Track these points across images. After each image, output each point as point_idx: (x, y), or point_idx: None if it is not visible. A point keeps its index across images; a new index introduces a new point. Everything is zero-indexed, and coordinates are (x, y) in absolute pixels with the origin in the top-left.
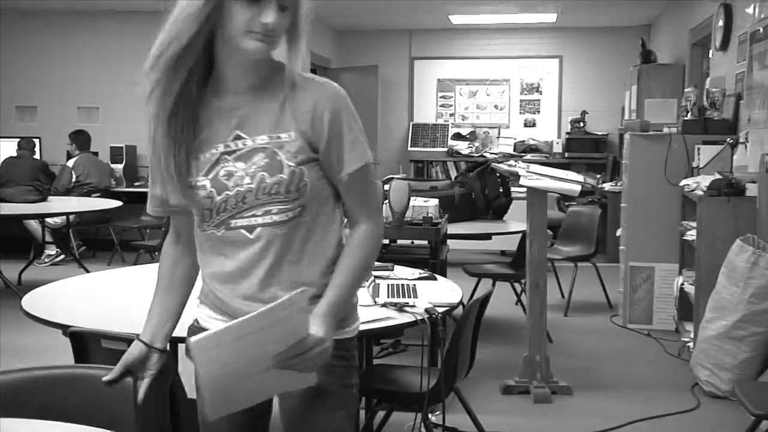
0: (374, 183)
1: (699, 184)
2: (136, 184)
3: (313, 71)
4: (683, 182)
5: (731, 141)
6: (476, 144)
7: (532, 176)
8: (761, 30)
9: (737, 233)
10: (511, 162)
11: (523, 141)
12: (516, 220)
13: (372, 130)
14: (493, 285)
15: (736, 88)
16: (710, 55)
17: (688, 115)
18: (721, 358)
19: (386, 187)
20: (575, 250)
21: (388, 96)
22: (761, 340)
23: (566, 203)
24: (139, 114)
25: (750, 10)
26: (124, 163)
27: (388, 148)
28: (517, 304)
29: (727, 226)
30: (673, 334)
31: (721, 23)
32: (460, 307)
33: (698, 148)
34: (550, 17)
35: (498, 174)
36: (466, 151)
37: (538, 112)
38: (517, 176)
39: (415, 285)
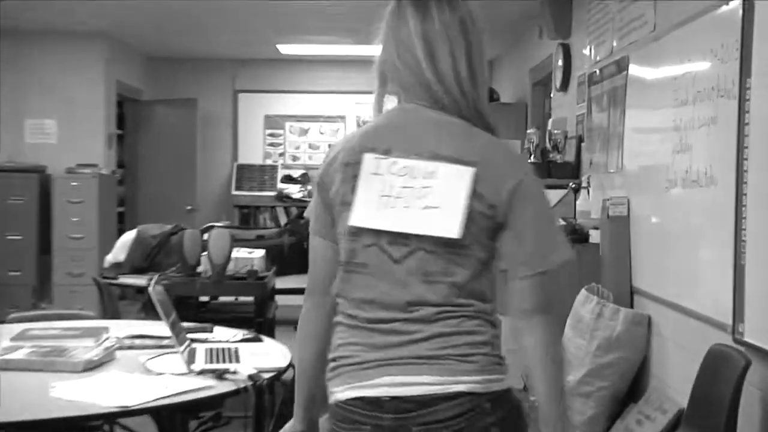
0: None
1: None
2: None
3: (120, 103)
4: None
5: (573, 186)
6: (309, 187)
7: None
8: (597, 72)
9: (582, 282)
10: None
11: None
12: None
13: (189, 172)
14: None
15: (577, 130)
16: (552, 95)
17: (531, 157)
18: (569, 416)
19: (205, 236)
20: None
21: (209, 133)
22: (607, 395)
23: None
24: None
25: (587, 52)
26: None
27: (208, 192)
28: None
29: (572, 274)
30: (521, 393)
31: (560, 63)
32: (290, 371)
33: None
34: None
35: None
36: (297, 195)
37: None
38: None
39: (237, 348)
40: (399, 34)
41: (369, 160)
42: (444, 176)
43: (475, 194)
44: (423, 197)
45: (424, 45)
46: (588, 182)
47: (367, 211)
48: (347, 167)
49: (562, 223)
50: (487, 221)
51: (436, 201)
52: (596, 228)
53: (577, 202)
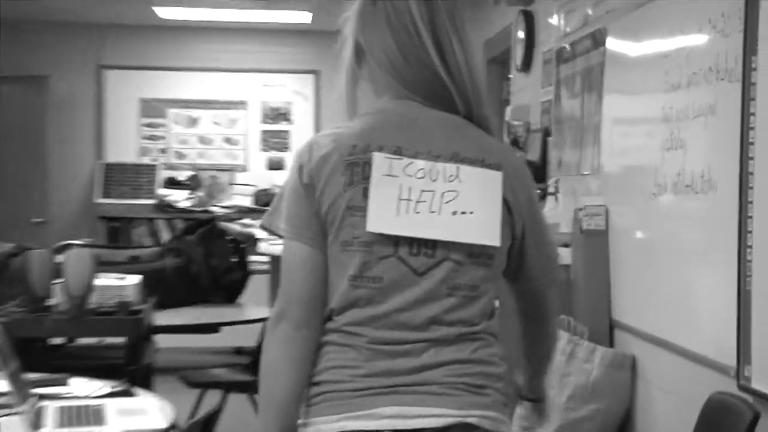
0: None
1: None
2: None
3: None
4: None
5: (538, 191)
6: (199, 194)
7: (276, 239)
8: (568, 47)
9: None
10: (249, 221)
11: (266, 190)
12: (256, 303)
13: (38, 172)
14: (224, 399)
15: (543, 121)
16: (510, 77)
17: None
18: None
19: (59, 258)
20: None
21: (65, 121)
22: None
23: None
24: None
25: (554, 21)
26: None
27: (64, 199)
28: None
29: None
30: None
31: (521, 35)
32: None
33: None
34: (304, 17)
35: (230, 237)
36: (184, 204)
37: (287, 148)
38: (255, 240)
39: (101, 406)
40: (397, 18)
41: (380, 160)
42: (471, 179)
43: (502, 200)
44: (450, 201)
45: (432, 36)
46: (556, 187)
47: (386, 216)
48: (353, 167)
49: None
50: (509, 230)
51: (468, 206)
52: (566, 245)
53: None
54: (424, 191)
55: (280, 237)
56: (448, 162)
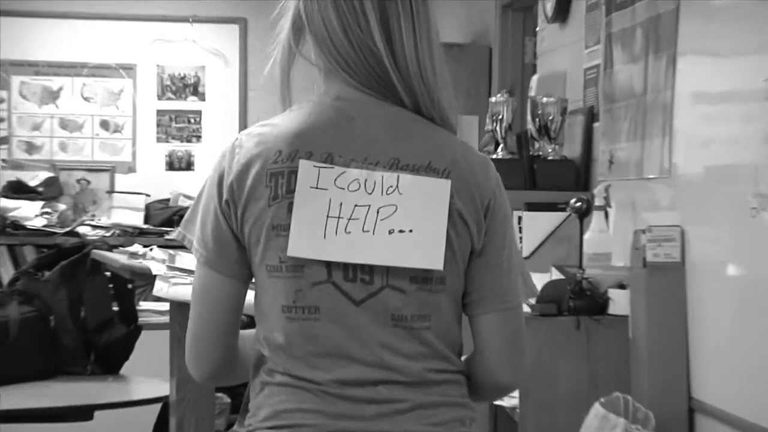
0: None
1: None
2: None
3: None
4: None
5: (578, 205)
6: (61, 207)
7: (180, 278)
8: None
9: (594, 389)
10: (138, 247)
11: (165, 201)
12: (150, 373)
13: None
14: None
15: (586, 98)
16: (538, 31)
17: (498, 150)
18: None
19: None
20: None
21: None
22: None
23: None
24: None
25: None
26: None
27: None
28: None
29: (574, 373)
30: None
31: None
32: None
33: (518, 218)
34: None
35: (110, 274)
36: (36, 223)
37: (198, 137)
38: (152, 278)
39: None
40: None
41: (307, 169)
42: (412, 190)
43: (450, 213)
44: (387, 218)
45: (379, 18)
46: (605, 198)
47: (311, 237)
48: (277, 178)
49: (555, 277)
50: (463, 247)
51: (407, 223)
52: (622, 286)
53: (585, 237)
54: (357, 206)
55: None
56: (389, 170)
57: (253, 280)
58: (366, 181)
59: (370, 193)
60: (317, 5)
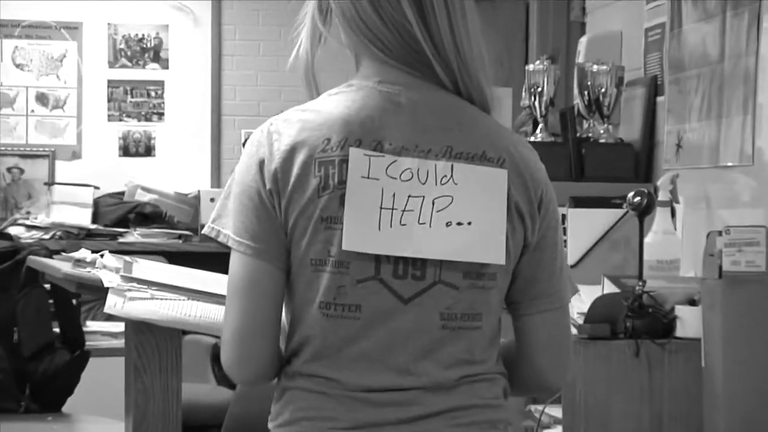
0: (228, 276)
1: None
2: None
3: None
4: None
5: (639, 199)
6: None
7: (138, 290)
8: None
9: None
10: (86, 253)
11: (119, 195)
12: (100, 411)
13: None
14: None
15: (648, 66)
16: None
17: (537, 131)
18: None
19: None
20: None
21: None
22: None
23: None
24: None
25: None
26: None
27: None
28: None
29: (632, 412)
30: None
31: None
32: None
33: (562, 216)
34: None
35: (49, 287)
36: None
37: (160, 114)
38: (103, 291)
39: None
40: None
41: (358, 158)
42: (468, 180)
43: (507, 205)
44: (443, 210)
45: None
46: (673, 192)
47: (365, 231)
48: (326, 167)
49: (608, 290)
50: (518, 242)
51: (465, 215)
52: (692, 302)
53: (647, 240)
54: (411, 197)
55: (228, 248)
56: (441, 159)
57: None
58: (419, 170)
59: (424, 183)
60: (350, 7)
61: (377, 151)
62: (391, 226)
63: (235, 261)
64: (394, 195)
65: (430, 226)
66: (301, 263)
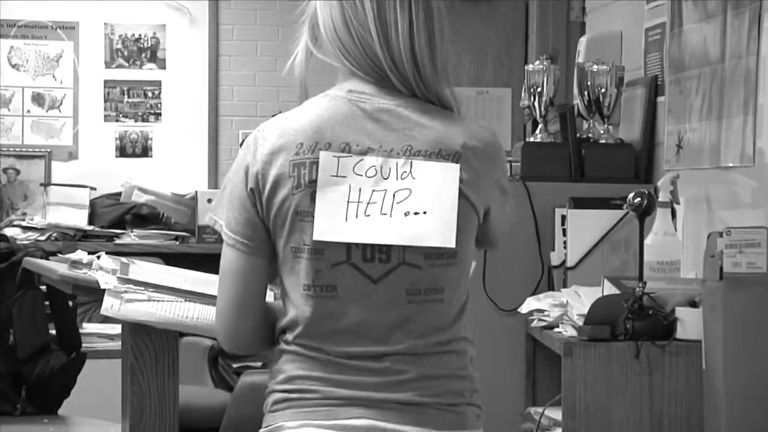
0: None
1: (567, 311)
2: None
3: None
4: (527, 306)
5: (639, 200)
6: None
7: (134, 292)
8: None
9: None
10: (82, 255)
11: (116, 196)
12: (98, 414)
13: None
14: None
15: (648, 66)
16: None
17: (537, 131)
18: None
19: None
20: None
21: None
22: None
23: None
24: None
25: None
26: None
27: None
28: None
29: (632, 415)
30: None
31: None
32: None
33: (561, 217)
34: None
35: (45, 288)
36: None
37: (157, 114)
38: (99, 293)
39: None
40: None
41: (327, 159)
42: (425, 175)
43: (460, 194)
44: (402, 201)
45: (377, 12)
46: (673, 193)
47: (334, 222)
48: (299, 168)
49: (608, 292)
50: (471, 224)
51: (421, 205)
52: (693, 304)
53: (647, 241)
54: (375, 191)
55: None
56: (401, 157)
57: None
58: (382, 167)
59: (386, 179)
60: (327, 4)
61: (345, 152)
62: (357, 217)
63: (225, 249)
64: (360, 190)
65: (390, 216)
66: (283, 251)
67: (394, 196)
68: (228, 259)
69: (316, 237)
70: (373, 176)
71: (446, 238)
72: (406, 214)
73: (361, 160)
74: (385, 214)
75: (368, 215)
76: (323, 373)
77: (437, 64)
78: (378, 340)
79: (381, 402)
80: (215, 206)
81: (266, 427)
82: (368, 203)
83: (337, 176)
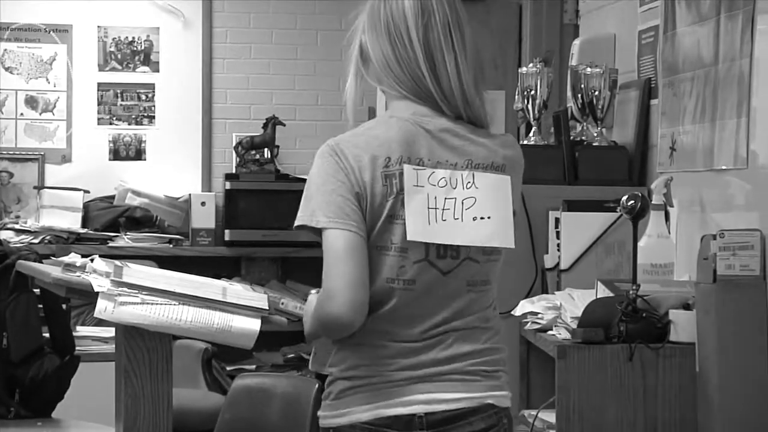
0: (326, 250)
1: (561, 314)
2: None
3: None
4: (520, 309)
5: (632, 202)
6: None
7: (128, 295)
8: None
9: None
10: (76, 258)
11: (109, 199)
12: (93, 417)
13: None
14: None
15: (641, 69)
16: None
17: (530, 134)
18: None
19: None
20: None
21: None
22: None
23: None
24: None
25: None
26: None
27: None
28: None
29: (626, 417)
30: None
31: None
32: None
33: (555, 219)
34: None
35: (39, 291)
36: None
37: (150, 118)
38: (93, 296)
39: None
40: (394, 29)
41: (410, 171)
42: (485, 185)
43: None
44: (470, 208)
45: (425, 53)
46: (667, 195)
47: (420, 225)
48: (390, 178)
49: (601, 294)
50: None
51: (485, 211)
52: (687, 306)
53: (640, 244)
54: (446, 198)
55: (320, 231)
56: (464, 170)
57: None
58: (450, 178)
59: (454, 188)
60: (377, 40)
61: (420, 165)
62: (437, 222)
63: (336, 235)
64: (435, 198)
65: (462, 220)
66: (370, 248)
67: (462, 203)
68: (342, 241)
69: (411, 237)
70: (444, 186)
71: (507, 239)
72: (474, 219)
73: (433, 172)
74: (458, 218)
75: (444, 219)
76: (387, 359)
77: (481, 94)
78: (440, 323)
79: (436, 375)
80: (310, 213)
81: (335, 412)
82: (443, 209)
83: (417, 185)
